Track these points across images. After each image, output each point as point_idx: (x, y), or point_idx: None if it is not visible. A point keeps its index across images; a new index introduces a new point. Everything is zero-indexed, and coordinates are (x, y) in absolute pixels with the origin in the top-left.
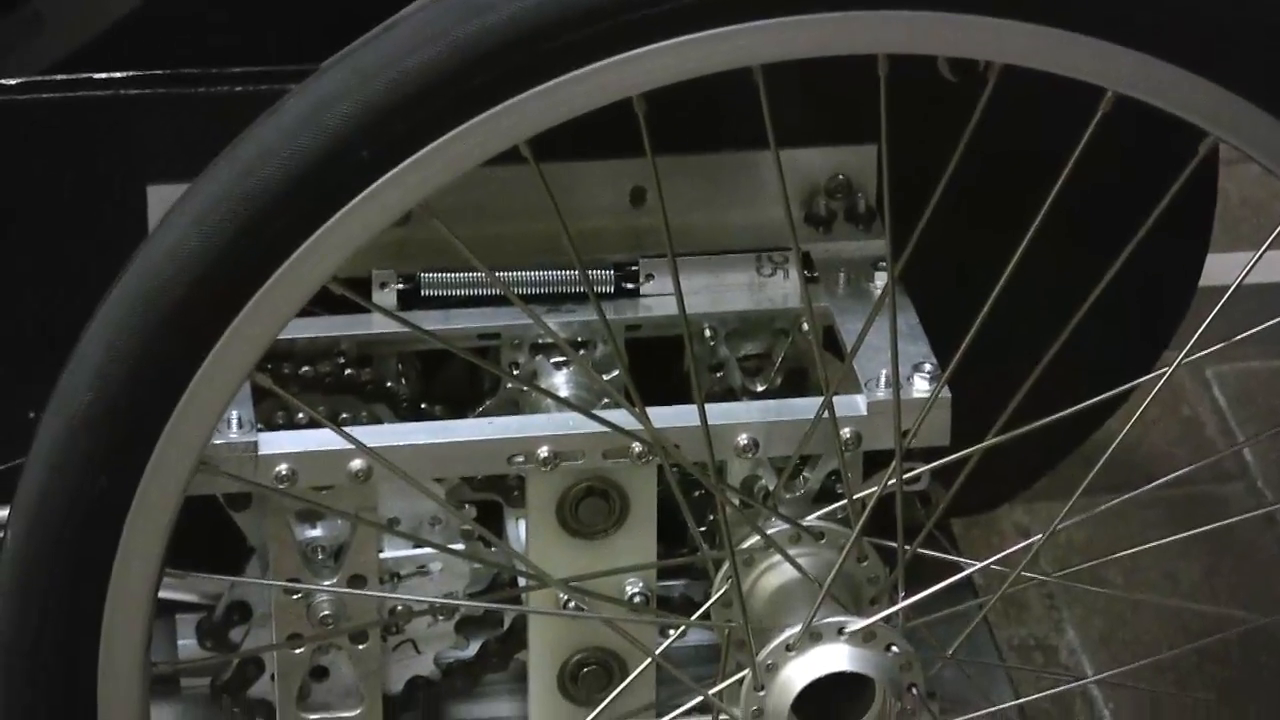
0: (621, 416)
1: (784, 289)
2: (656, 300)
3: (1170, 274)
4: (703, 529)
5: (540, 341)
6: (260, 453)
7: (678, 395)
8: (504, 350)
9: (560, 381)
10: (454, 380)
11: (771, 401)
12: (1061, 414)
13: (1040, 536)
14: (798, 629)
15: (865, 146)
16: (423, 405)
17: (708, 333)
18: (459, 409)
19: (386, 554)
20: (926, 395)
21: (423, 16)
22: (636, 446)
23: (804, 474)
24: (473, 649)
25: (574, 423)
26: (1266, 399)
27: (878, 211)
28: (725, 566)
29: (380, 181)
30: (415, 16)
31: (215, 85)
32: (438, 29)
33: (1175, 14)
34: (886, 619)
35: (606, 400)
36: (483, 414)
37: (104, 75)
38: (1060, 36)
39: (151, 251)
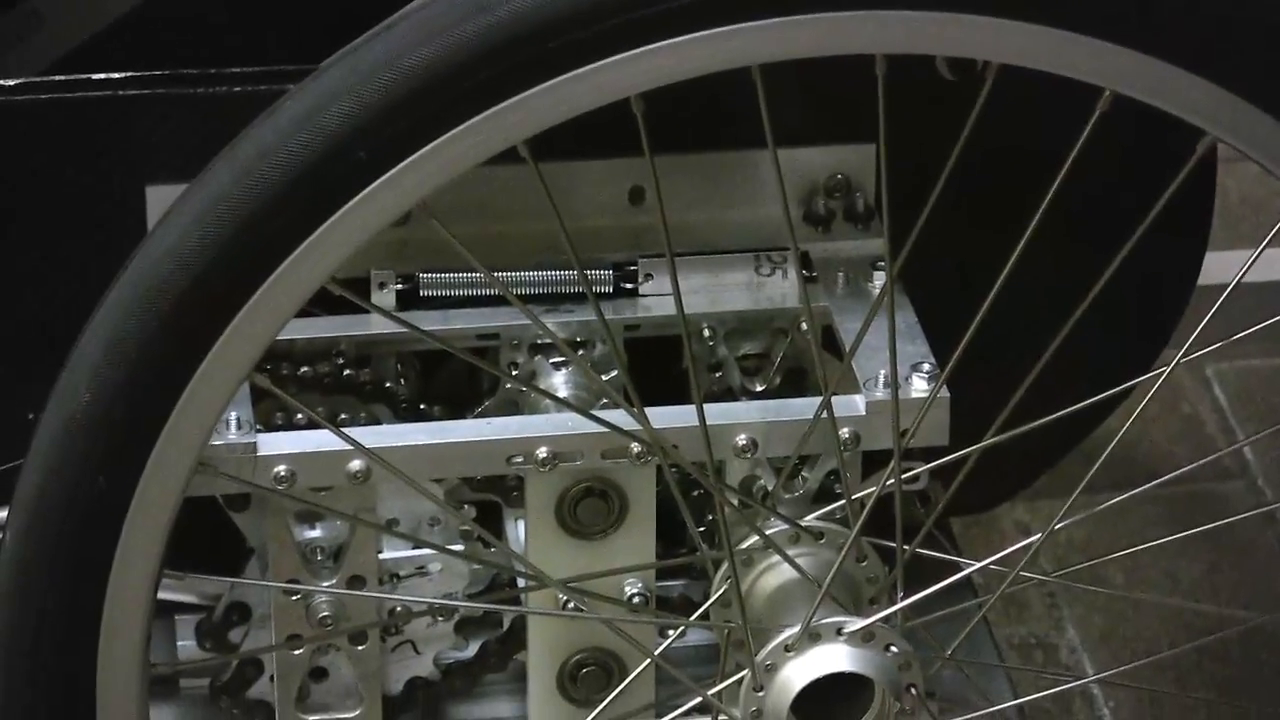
0: (620, 417)
1: (783, 288)
2: (655, 300)
3: (1169, 272)
4: (701, 529)
5: (539, 342)
6: (259, 454)
7: (677, 395)
8: (503, 350)
9: (559, 381)
10: (453, 380)
11: (770, 401)
12: (1060, 413)
13: (1039, 536)
14: (796, 629)
15: (864, 146)
16: (422, 405)
17: (706, 332)
18: (458, 409)
19: (385, 555)
20: (925, 395)
21: (421, 16)
22: (635, 447)
23: (803, 474)
24: (472, 649)
25: (573, 423)
26: (1266, 397)
27: (876, 211)
28: (724, 567)
29: (379, 181)
30: (414, 16)
31: (214, 85)
32: (436, 28)
33: (1173, 13)
34: (885, 619)
35: (605, 400)
36: (482, 414)
37: (102, 75)
38: (1058, 36)
39: (150, 251)
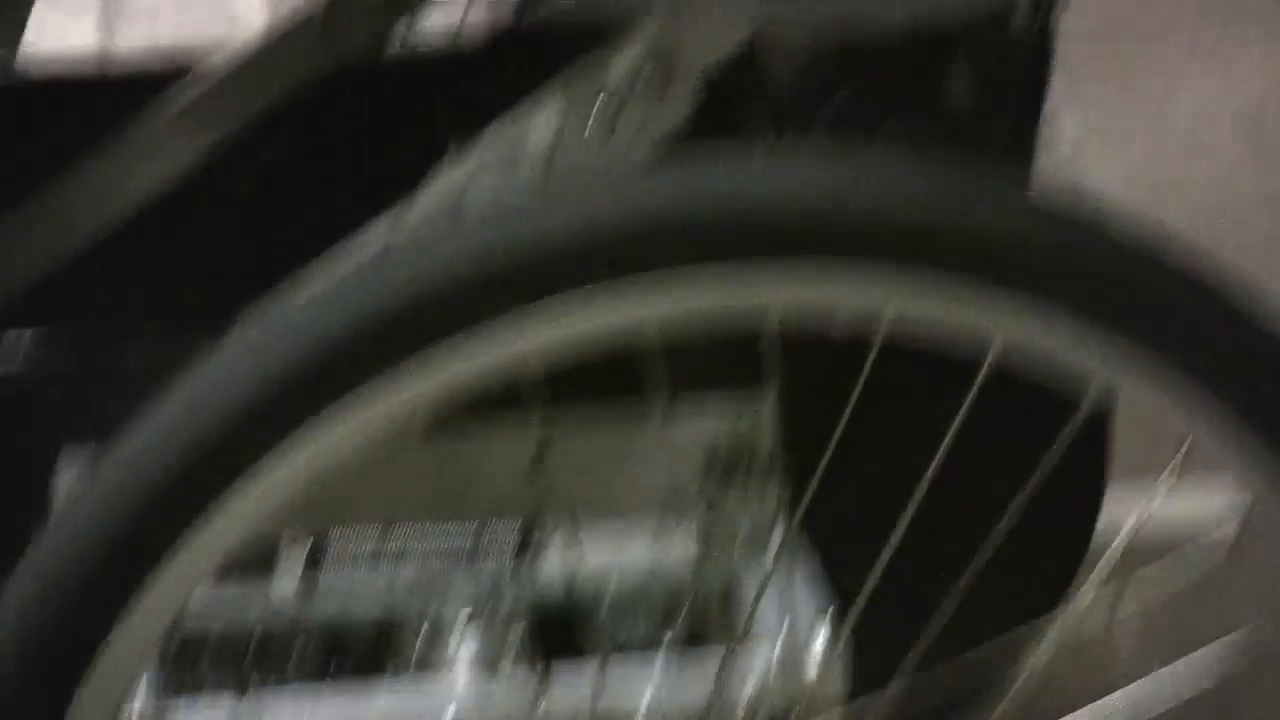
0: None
1: (685, 547)
2: (561, 561)
3: (1068, 517)
4: None
5: (447, 601)
6: None
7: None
8: (412, 609)
9: (468, 640)
10: (364, 642)
11: (673, 660)
12: (964, 656)
13: None
14: None
15: (765, 396)
16: (333, 668)
17: (611, 592)
18: (375, 669)
19: None
20: (825, 647)
21: (324, 289)
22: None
23: None
24: None
25: (478, 690)
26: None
27: (773, 463)
28: None
29: (285, 443)
30: (320, 286)
31: (125, 348)
32: (342, 298)
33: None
34: None
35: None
36: (394, 674)
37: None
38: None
39: (58, 525)
